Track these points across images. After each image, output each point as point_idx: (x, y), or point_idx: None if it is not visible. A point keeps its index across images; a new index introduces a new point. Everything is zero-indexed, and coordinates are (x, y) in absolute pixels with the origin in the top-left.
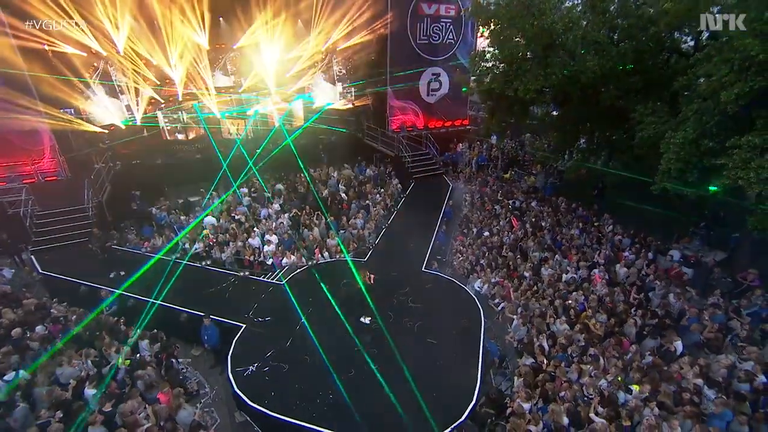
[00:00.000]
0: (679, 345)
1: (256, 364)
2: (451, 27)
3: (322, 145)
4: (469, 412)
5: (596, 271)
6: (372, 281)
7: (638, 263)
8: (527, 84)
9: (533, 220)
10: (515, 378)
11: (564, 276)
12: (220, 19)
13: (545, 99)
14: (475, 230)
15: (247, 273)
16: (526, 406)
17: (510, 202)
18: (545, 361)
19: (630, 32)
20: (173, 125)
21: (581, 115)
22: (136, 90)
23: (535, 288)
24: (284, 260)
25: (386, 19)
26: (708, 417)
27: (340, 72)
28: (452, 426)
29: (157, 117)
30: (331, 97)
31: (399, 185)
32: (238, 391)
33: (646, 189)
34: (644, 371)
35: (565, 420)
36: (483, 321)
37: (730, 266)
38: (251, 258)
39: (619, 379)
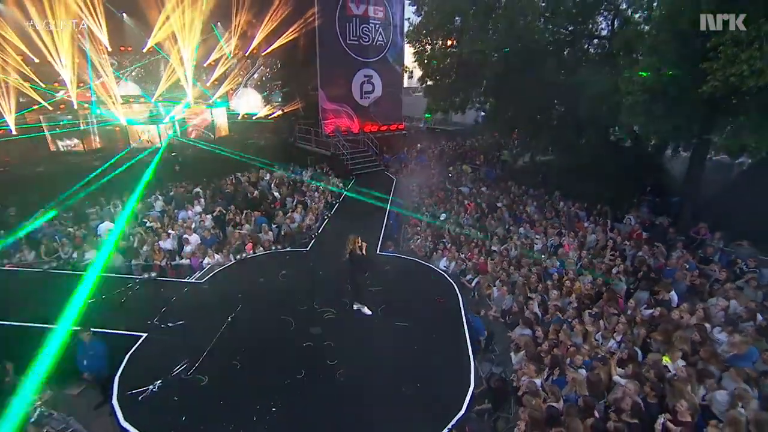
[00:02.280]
0: (674, 295)
1: (158, 383)
2: (381, 29)
3: (253, 150)
4: (469, 403)
5: (565, 239)
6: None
7: (600, 229)
8: (471, 45)
9: (487, 202)
10: (512, 354)
11: (535, 246)
12: (123, 15)
13: (490, 67)
14: (428, 214)
15: (153, 275)
16: (538, 381)
17: (458, 189)
18: (540, 330)
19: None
20: (59, 132)
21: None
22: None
23: (508, 259)
24: (206, 260)
25: (312, 16)
26: (728, 360)
27: (266, 77)
28: (451, 423)
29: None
30: (255, 105)
31: (339, 183)
32: (127, 426)
33: (588, 170)
34: (648, 323)
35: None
36: (460, 296)
37: (677, 227)
38: (161, 262)
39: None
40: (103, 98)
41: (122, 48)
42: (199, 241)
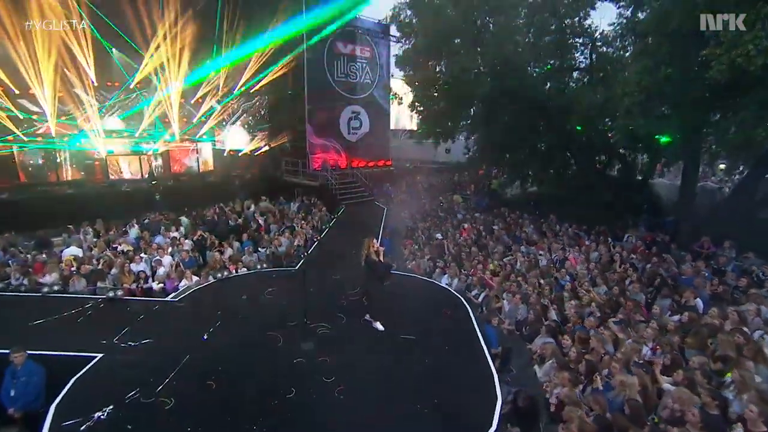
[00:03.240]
0: (699, 302)
1: (107, 410)
2: (368, 68)
3: (238, 181)
4: (500, 417)
5: (570, 254)
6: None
7: (603, 248)
8: (462, 64)
9: (483, 225)
10: (536, 367)
11: (540, 262)
12: (113, 50)
13: (479, 87)
14: (423, 237)
15: (120, 293)
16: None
17: (451, 216)
18: (567, 338)
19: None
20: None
21: (503, 134)
22: None
23: (515, 272)
24: (182, 283)
25: (301, 53)
26: None
27: (255, 113)
28: None
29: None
30: (241, 141)
31: (327, 212)
32: None
33: (580, 196)
34: (680, 329)
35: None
36: (468, 308)
37: (678, 244)
38: (131, 285)
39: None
40: (85, 131)
41: (109, 83)
42: (176, 263)
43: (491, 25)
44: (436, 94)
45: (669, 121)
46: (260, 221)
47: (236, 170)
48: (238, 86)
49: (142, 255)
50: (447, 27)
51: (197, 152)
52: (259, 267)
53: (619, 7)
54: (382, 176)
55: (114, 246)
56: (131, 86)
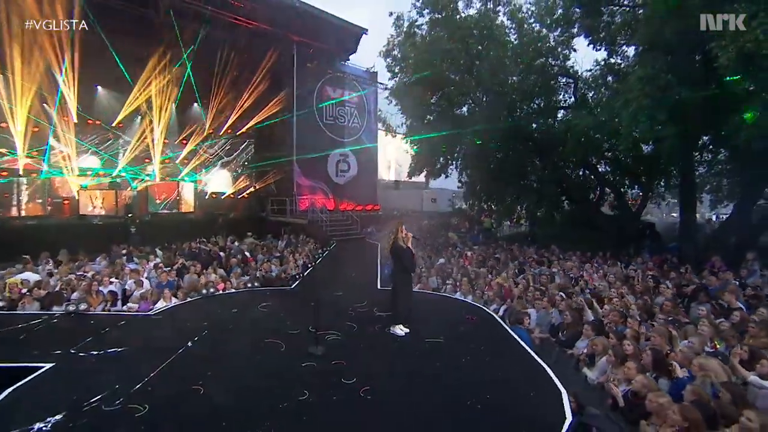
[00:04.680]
0: (739, 304)
1: (53, 419)
2: (356, 113)
3: (221, 219)
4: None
5: (585, 272)
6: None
7: (616, 269)
8: (459, 89)
9: (484, 255)
10: (585, 369)
11: (556, 279)
12: (97, 87)
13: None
14: (426, 262)
15: (83, 306)
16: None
17: (451, 247)
18: (613, 337)
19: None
20: None
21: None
22: None
23: (534, 287)
24: (159, 304)
25: (284, 97)
26: None
27: (239, 155)
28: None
29: None
30: (224, 184)
31: (318, 247)
32: None
33: (578, 228)
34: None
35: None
36: (494, 315)
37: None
38: (98, 307)
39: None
40: (59, 168)
41: (90, 121)
42: (152, 286)
43: (484, 53)
44: (430, 119)
45: (674, 125)
46: (246, 254)
47: (219, 211)
48: (224, 128)
49: (113, 279)
50: (443, 55)
51: (179, 193)
52: (249, 285)
53: (596, 50)
54: (370, 220)
55: (81, 274)
56: (113, 125)
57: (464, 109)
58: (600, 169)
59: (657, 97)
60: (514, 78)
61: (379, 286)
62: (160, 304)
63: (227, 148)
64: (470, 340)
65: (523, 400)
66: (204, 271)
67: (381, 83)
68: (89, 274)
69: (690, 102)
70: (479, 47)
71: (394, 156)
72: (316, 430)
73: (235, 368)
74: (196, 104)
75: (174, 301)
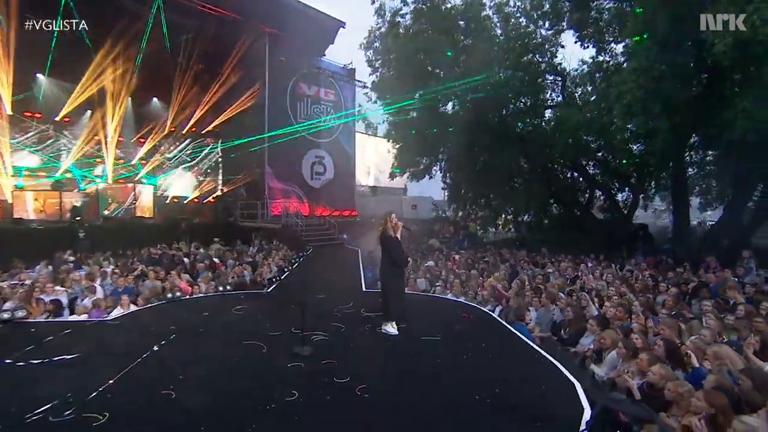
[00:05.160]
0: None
1: None
2: (332, 111)
3: (184, 224)
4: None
5: (582, 273)
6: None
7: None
8: (444, 81)
9: (472, 258)
10: (593, 366)
11: (551, 278)
12: (37, 76)
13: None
14: (412, 265)
15: (19, 314)
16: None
17: (437, 251)
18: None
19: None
20: None
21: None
22: None
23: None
24: (116, 312)
25: (260, 92)
26: None
27: (205, 155)
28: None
29: None
30: (188, 187)
31: (293, 253)
32: None
33: (569, 232)
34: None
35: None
36: (492, 314)
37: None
38: (39, 317)
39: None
40: None
41: (27, 113)
42: (106, 294)
43: (471, 45)
44: (413, 115)
45: (668, 119)
46: (215, 260)
47: (182, 216)
48: (188, 126)
49: (58, 288)
50: (428, 46)
51: (135, 196)
52: (221, 289)
53: (584, 47)
54: (348, 226)
55: (15, 282)
56: (56, 119)
57: (449, 105)
58: (590, 171)
59: (651, 88)
60: (501, 74)
61: (364, 289)
62: (117, 312)
63: (191, 147)
64: (469, 338)
65: (535, 395)
66: (167, 276)
67: (359, 81)
68: (27, 282)
69: (683, 95)
70: (466, 41)
71: (373, 160)
72: (308, 430)
73: (211, 371)
74: (155, 98)
75: (132, 309)
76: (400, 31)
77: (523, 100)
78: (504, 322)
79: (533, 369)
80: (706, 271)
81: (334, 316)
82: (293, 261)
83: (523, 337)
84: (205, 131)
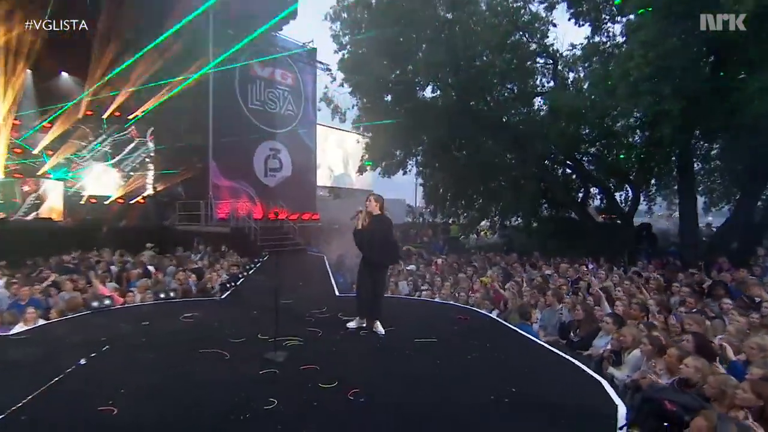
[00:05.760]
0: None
1: None
2: (290, 98)
3: (107, 229)
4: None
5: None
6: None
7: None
8: (426, 59)
9: (457, 261)
10: (612, 369)
11: (550, 281)
12: None
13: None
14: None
15: None
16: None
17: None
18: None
19: None
20: None
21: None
22: None
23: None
24: (17, 327)
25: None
26: None
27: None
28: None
29: None
30: (110, 184)
31: (246, 260)
32: None
33: (563, 233)
34: None
35: None
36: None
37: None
38: None
39: None
40: None
41: None
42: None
43: (455, 18)
44: (387, 99)
45: (680, 99)
46: (149, 268)
47: (104, 218)
48: (110, 109)
49: None
50: (405, 17)
51: (39, 195)
52: (162, 296)
53: (579, 25)
54: (310, 233)
55: None
56: None
57: (428, 90)
58: (585, 167)
59: (661, 65)
60: (487, 55)
61: (337, 294)
62: (19, 328)
63: (115, 136)
64: (469, 338)
65: (557, 392)
66: (88, 285)
67: (322, 63)
68: None
69: (695, 74)
70: (448, 14)
71: (337, 157)
72: None
73: (163, 381)
74: (65, 73)
75: (40, 323)
76: (373, 1)
77: (510, 86)
78: (506, 323)
79: (549, 366)
80: (719, 272)
81: (308, 321)
82: (248, 267)
83: (531, 337)
84: (132, 116)
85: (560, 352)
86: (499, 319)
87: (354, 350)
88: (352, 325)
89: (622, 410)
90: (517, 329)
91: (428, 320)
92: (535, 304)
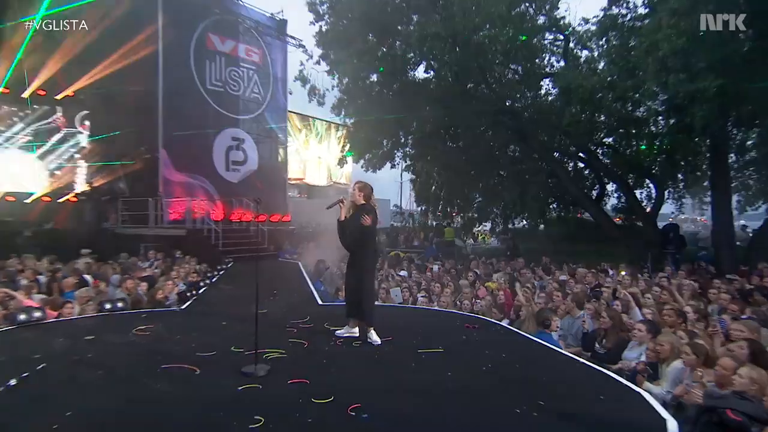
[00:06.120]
0: None
1: None
2: (256, 78)
3: (31, 233)
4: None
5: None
6: None
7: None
8: (421, 29)
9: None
10: (647, 383)
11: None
12: None
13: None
14: (380, 275)
15: None
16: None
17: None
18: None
19: None
20: None
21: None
22: None
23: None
24: None
25: (150, 42)
26: None
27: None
28: None
29: None
30: (33, 179)
31: (205, 267)
32: None
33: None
34: None
35: None
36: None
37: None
38: None
39: None
40: None
41: None
42: None
43: None
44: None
45: (716, 76)
46: (86, 277)
47: (24, 220)
48: (32, 87)
49: None
50: None
51: None
52: (108, 307)
53: None
54: (281, 237)
55: None
56: None
57: (420, 69)
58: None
59: (695, 36)
60: (488, 29)
61: (320, 302)
62: None
63: (38, 121)
64: (481, 348)
65: (591, 404)
66: (9, 298)
67: (294, 37)
68: None
69: (734, 47)
70: None
71: (310, 152)
72: None
73: (120, 403)
74: None
75: None
76: None
77: (513, 67)
78: (521, 332)
79: (578, 377)
80: (761, 278)
81: (289, 332)
82: (210, 275)
83: (551, 346)
84: (60, 96)
85: (591, 364)
86: (513, 328)
87: (348, 362)
88: (341, 332)
89: (672, 424)
90: (535, 338)
91: (431, 329)
92: (555, 310)
